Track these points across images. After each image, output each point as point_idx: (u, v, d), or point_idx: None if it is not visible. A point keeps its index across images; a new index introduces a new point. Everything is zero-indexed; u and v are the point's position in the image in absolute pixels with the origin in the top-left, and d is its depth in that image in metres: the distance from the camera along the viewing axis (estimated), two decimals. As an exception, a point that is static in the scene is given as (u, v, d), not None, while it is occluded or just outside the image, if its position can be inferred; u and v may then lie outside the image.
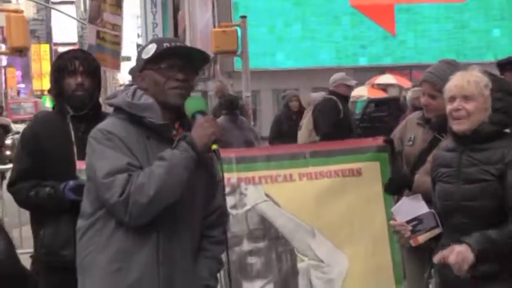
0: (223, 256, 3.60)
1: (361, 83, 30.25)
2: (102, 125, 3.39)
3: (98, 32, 11.66)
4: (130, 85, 3.52)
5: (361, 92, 28.44)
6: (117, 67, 10.99)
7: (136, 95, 3.37)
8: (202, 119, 3.28)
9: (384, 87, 29.42)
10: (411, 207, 3.96)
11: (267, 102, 30.53)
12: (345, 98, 9.70)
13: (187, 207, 3.35)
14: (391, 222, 3.96)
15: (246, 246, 4.68)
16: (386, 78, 29.63)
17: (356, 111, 27.40)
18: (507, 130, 3.85)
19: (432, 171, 4.03)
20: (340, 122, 9.37)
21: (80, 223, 3.41)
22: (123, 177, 3.20)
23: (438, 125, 4.69)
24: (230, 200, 4.32)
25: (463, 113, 3.80)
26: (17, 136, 31.72)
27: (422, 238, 3.89)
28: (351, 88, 9.96)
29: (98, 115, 4.59)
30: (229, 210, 4.34)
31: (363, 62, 33.27)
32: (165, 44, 3.38)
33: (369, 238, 4.93)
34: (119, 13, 11.11)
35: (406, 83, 29.91)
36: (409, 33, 33.13)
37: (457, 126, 3.82)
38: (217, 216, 3.57)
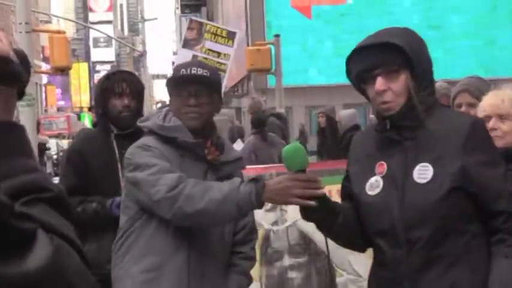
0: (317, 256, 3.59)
1: (391, 99, 30.14)
2: (138, 143, 3.48)
3: (195, 56, 12.88)
4: (163, 107, 3.60)
5: (392, 108, 28.34)
6: None
7: (167, 117, 3.45)
8: (290, 182, 2.99)
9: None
10: None
11: (299, 118, 30.52)
12: None
13: None
14: None
15: (287, 261, 4.69)
16: (417, 94, 29.54)
17: (387, 126, 27.34)
18: None
19: None
20: None
21: (117, 238, 3.49)
22: (173, 176, 3.22)
23: None
24: (271, 217, 4.33)
25: (498, 133, 3.64)
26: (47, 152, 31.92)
27: None
28: (449, 99, 9.66)
29: (141, 133, 4.63)
30: (270, 226, 4.37)
31: (393, 78, 33.17)
32: (181, 70, 3.46)
33: None
34: (230, 45, 12.35)
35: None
36: (438, 50, 32.97)
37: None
38: (246, 233, 3.58)
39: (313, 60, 31.87)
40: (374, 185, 2.84)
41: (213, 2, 50.11)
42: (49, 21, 58.85)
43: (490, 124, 3.67)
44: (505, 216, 2.79)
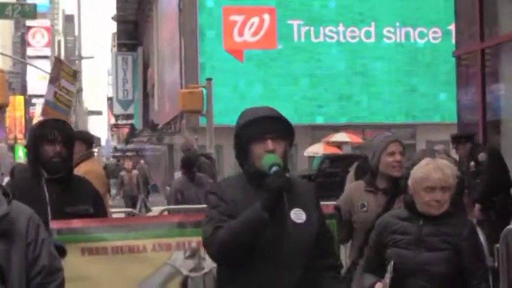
0: None
1: (317, 140, 30.54)
2: None
3: (55, 92, 12.96)
4: None
5: (317, 149, 28.73)
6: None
7: None
8: None
9: (338, 145, 29.72)
10: None
11: (229, 157, 30.68)
12: None
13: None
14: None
15: (203, 307, 4.72)
16: (341, 136, 29.96)
17: (312, 167, 27.66)
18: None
19: (381, 236, 4.19)
20: None
21: None
22: None
23: (391, 189, 4.89)
24: (190, 263, 4.41)
25: (442, 203, 4.04)
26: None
27: None
28: None
29: (70, 178, 4.73)
30: (188, 273, 4.44)
31: (319, 120, 33.65)
32: None
33: None
34: (72, 82, 12.46)
35: (358, 140, 30.31)
36: (363, 95, 33.64)
37: (435, 211, 4.06)
38: (43, 276, 3.26)
39: (244, 101, 32.09)
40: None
41: (149, 42, 50.13)
42: (-14, 56, 57.97)
43: (438, 196, 4.03)
44: (336, 256, 3.73)
